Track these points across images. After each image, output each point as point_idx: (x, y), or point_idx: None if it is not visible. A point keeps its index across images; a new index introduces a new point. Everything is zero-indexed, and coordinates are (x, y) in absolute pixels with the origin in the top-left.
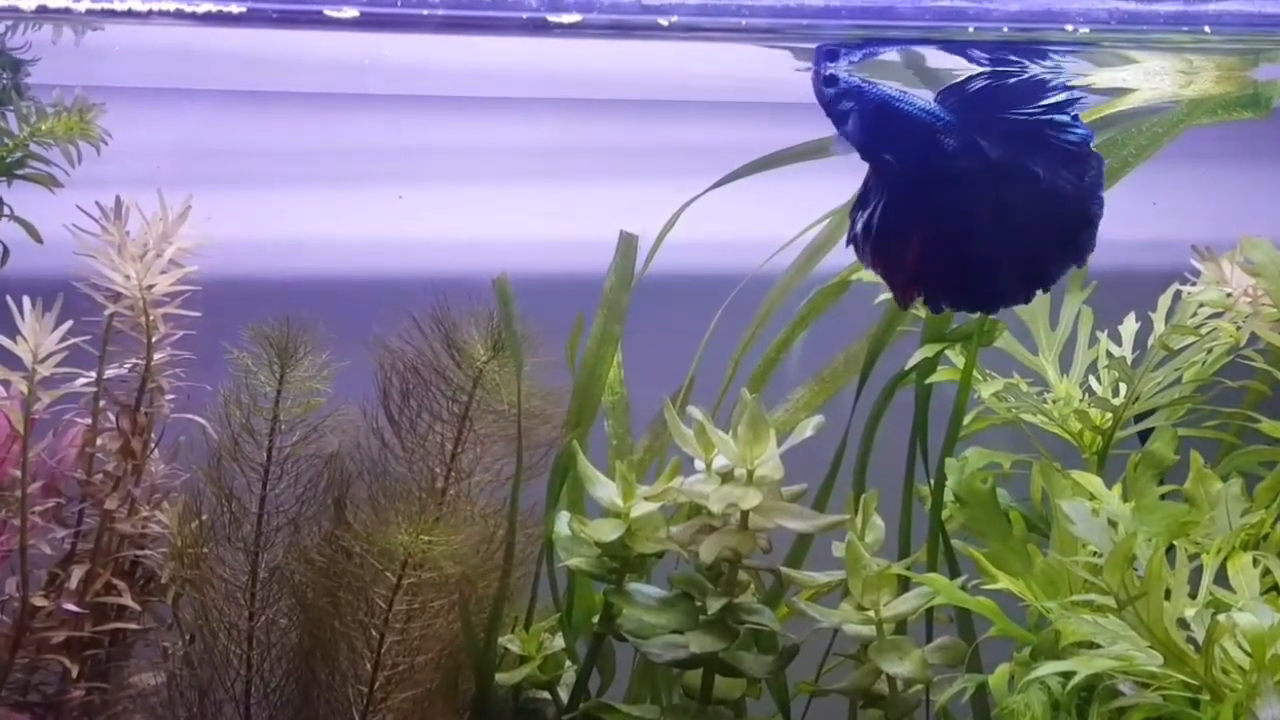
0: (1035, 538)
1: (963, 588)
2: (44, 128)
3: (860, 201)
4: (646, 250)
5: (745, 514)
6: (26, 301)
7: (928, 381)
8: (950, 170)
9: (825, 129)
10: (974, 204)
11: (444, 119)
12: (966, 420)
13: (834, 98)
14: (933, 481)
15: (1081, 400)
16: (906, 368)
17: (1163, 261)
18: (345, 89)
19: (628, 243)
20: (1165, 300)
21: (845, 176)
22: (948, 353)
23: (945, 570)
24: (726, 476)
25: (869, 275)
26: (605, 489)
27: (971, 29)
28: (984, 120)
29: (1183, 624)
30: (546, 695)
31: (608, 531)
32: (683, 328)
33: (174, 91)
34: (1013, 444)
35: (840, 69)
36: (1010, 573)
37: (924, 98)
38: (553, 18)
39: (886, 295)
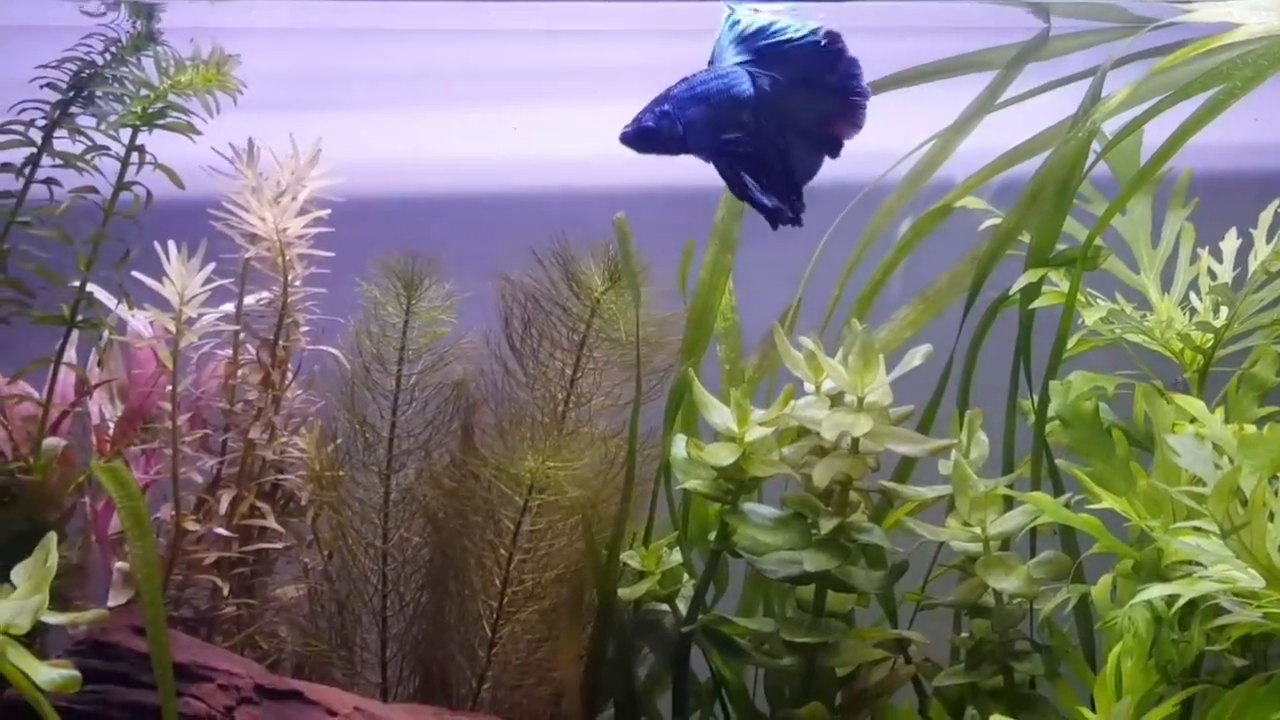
0: (1137, 452)
1: (1066, 505)
2: (183, 80)
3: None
4: None
5: (856, 439)
6: (172, 246)
7: (1032, 306)
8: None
9: (925, 50)
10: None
11: (554, 40)
12: (1070, 343)
13: (666, 129)
14: (1036, 401)
15: (1183, 324)
16: (1011, 291)
17: (1264, 164)
18: (462, 26)
19: None
20: (1266, 217)
21: (943, 96)
22: (1051, 275)
23: (1049, 488)
24: (835, 399)
25: (974, 201)
26: (720, 415)
27: None
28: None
29: None
30: (665, 608)
31: (723, 456)
32: (791, 235)
33: (297, 31)
34: (1114, 359)
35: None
36: (1114, 491)
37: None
38: None
39: (995, 220)
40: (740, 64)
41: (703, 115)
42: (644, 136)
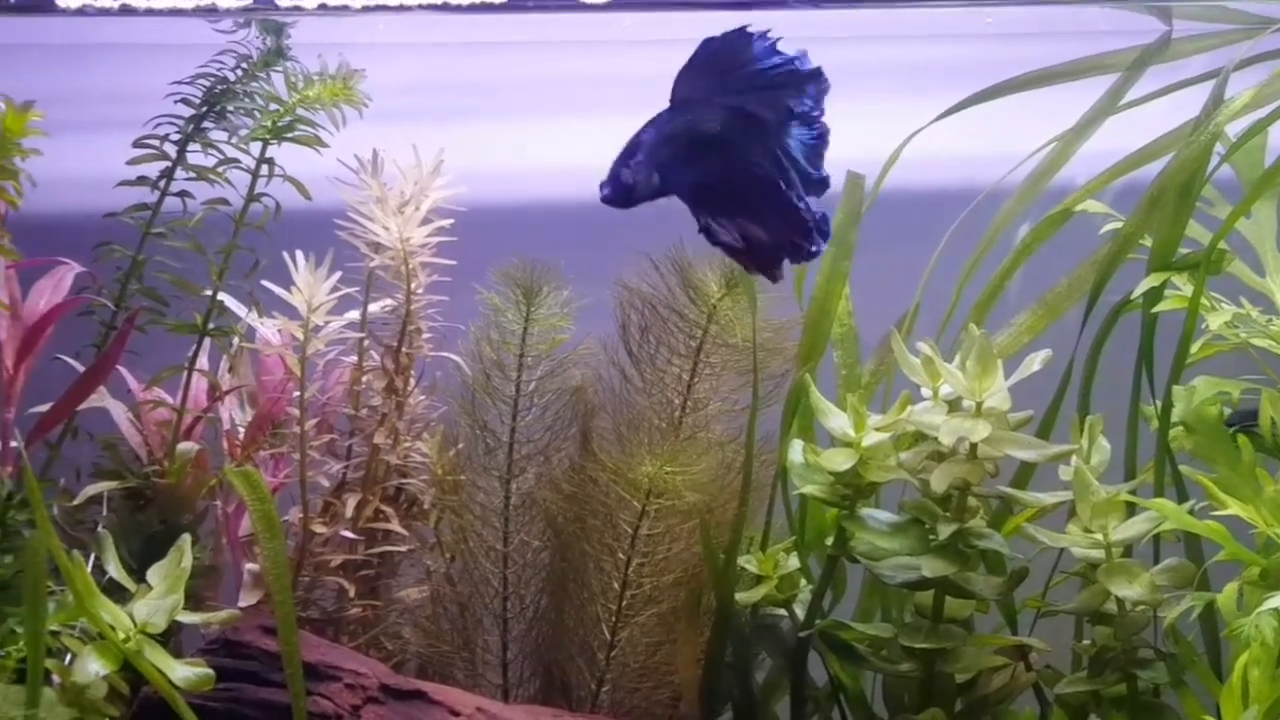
0: (1263, 458)
1: (1190, 511)
2: (311, 94)
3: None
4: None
5: (974, 444)
6: (300, 256)
7: (1155, 310)
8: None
9: (1045, 55)
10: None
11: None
12: (1194, 348)
13: (644, 181)
14: (1158, 406)
15: None
16: (1133, 295)
17: None
18: (582, 36)
19: (854, 182)
20: None
21: (1060, 99)
22: (1174, 279)
23: (1173, 494)
24: (953, 404)
25: (1094, 205)
26: (838, 420)
27: None
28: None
29: None
30: (783, 612)
31: (840, 461)
32: (906, 238)
33: (420, 45)
34: (1239, 363)
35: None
36: (1239, 497)
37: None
38: None
39: (1116, 224)
40: (711, 96)
41: (673, 156)
42: (624, 194)
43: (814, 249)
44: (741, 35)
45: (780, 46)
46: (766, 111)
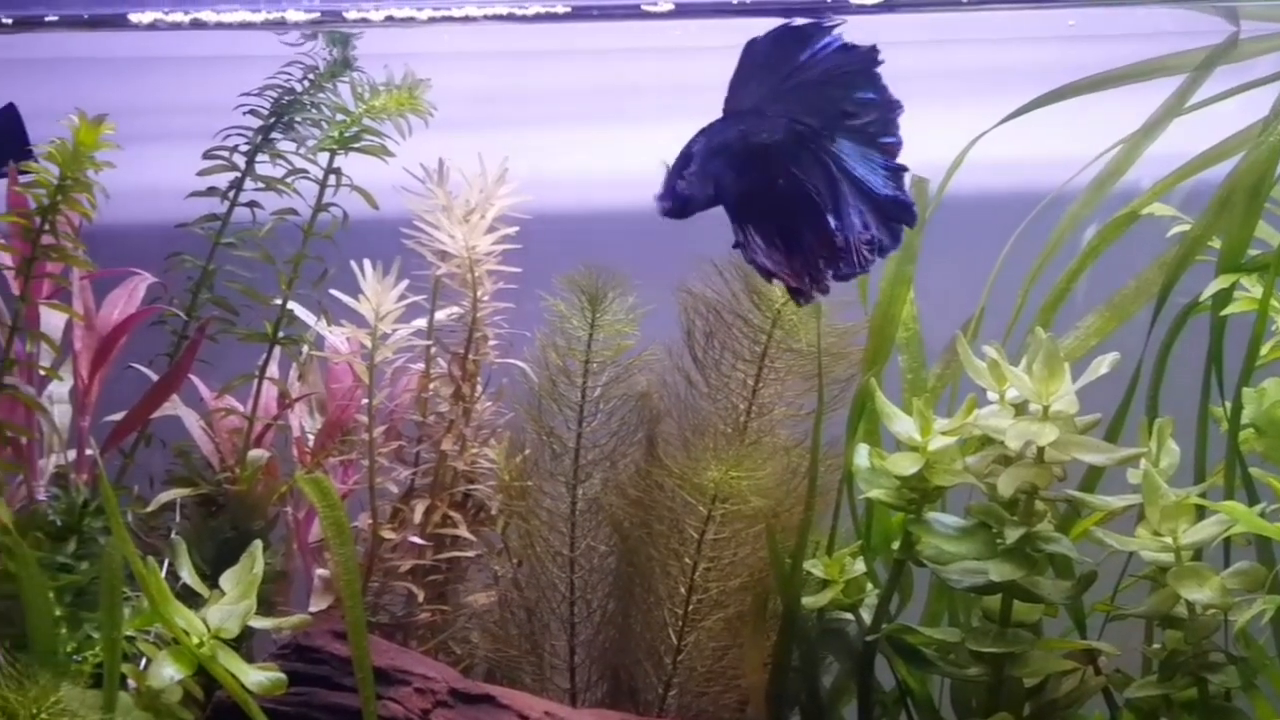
0: None
1: (1261, 514)
2: (377, 104)
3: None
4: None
5: (1041, 448)
6: (367, 265)
7: (1224, 313)
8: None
9: (1110, 57)
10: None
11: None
12: (1264, 350)
13: (699, 193)
14: (1228, 408)
15: None
16: (1201, 297)
17: None
18: (648, 44)
19: (919, 186)
20: None
21: (1125, 101)
22: (1243, 280)
23: (1243, 497)
24: (1019, 408)
25: (1161, 207)
26: (904, 424)
27: None
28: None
29: None
30: (849, 616)
31: (906, 465)
32: (971, 242)
33: (486, 54)
34: None
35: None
36: None
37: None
38: None
39: (1183, 226)
40: (761, 104)
41: (725, 168)
42: (680, 205)
43: (846, 273)
44: (787, 33)
45: (829, 40)
46: (817, 116)
